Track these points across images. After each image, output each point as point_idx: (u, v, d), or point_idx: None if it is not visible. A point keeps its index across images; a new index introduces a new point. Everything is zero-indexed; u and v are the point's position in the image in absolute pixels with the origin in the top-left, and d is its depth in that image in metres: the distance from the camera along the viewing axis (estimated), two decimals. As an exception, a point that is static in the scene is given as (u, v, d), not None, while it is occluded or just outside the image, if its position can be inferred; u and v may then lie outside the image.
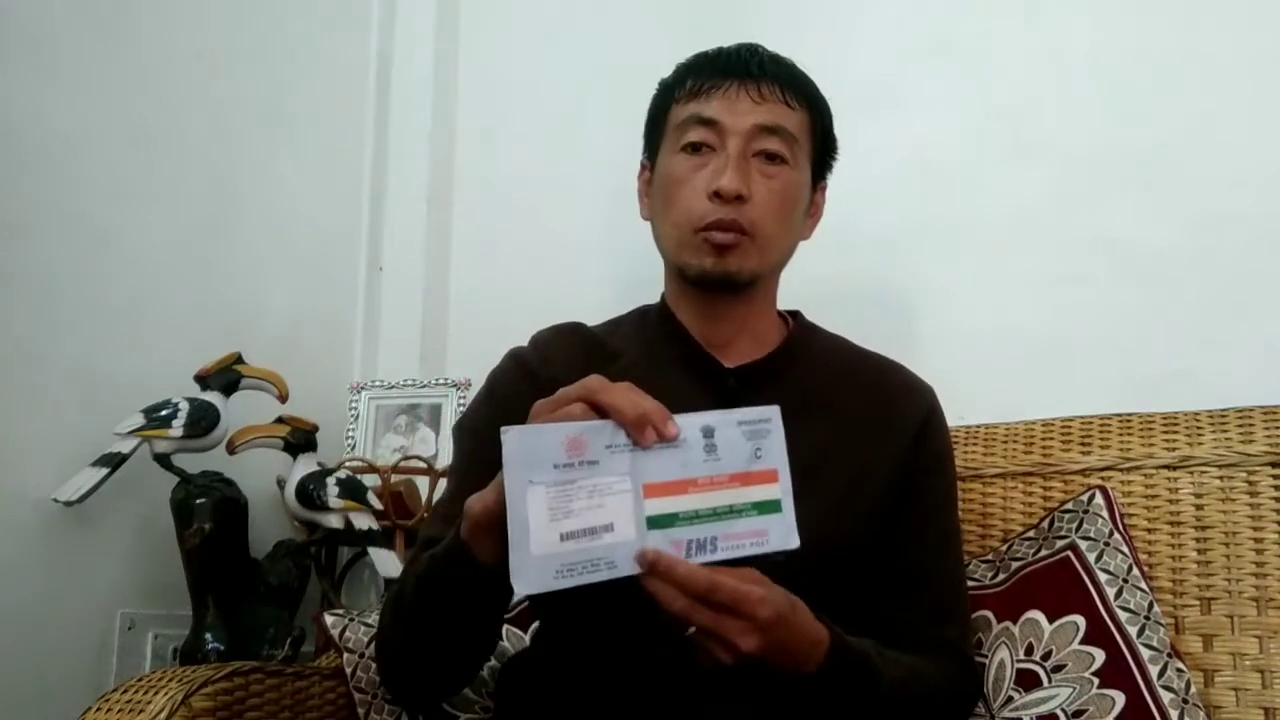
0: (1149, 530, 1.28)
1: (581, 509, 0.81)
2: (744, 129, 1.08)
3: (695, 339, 1.14)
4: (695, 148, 1.09)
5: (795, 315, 1.22)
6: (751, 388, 1.10)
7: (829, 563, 1.02)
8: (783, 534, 0.85)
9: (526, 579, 0.79)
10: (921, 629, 1.08)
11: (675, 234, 1.11)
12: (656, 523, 0.82)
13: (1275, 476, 1.24)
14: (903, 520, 1.11)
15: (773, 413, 0.86)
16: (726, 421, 0.85)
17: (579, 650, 1.06)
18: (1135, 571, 1.21)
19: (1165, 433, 1.33)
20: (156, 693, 1.04)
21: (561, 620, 1.11)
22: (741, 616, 0.83)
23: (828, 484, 1.05)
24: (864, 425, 1.11)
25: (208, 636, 1.57)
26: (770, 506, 0.85)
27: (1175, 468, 1.30)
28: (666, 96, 1.15)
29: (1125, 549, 1.22)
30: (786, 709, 0.96)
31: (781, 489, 0.85)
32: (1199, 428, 1.31)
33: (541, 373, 1.11)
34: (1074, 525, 1.25)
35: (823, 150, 1.17)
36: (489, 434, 1.07)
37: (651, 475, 0.83)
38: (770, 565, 0.93)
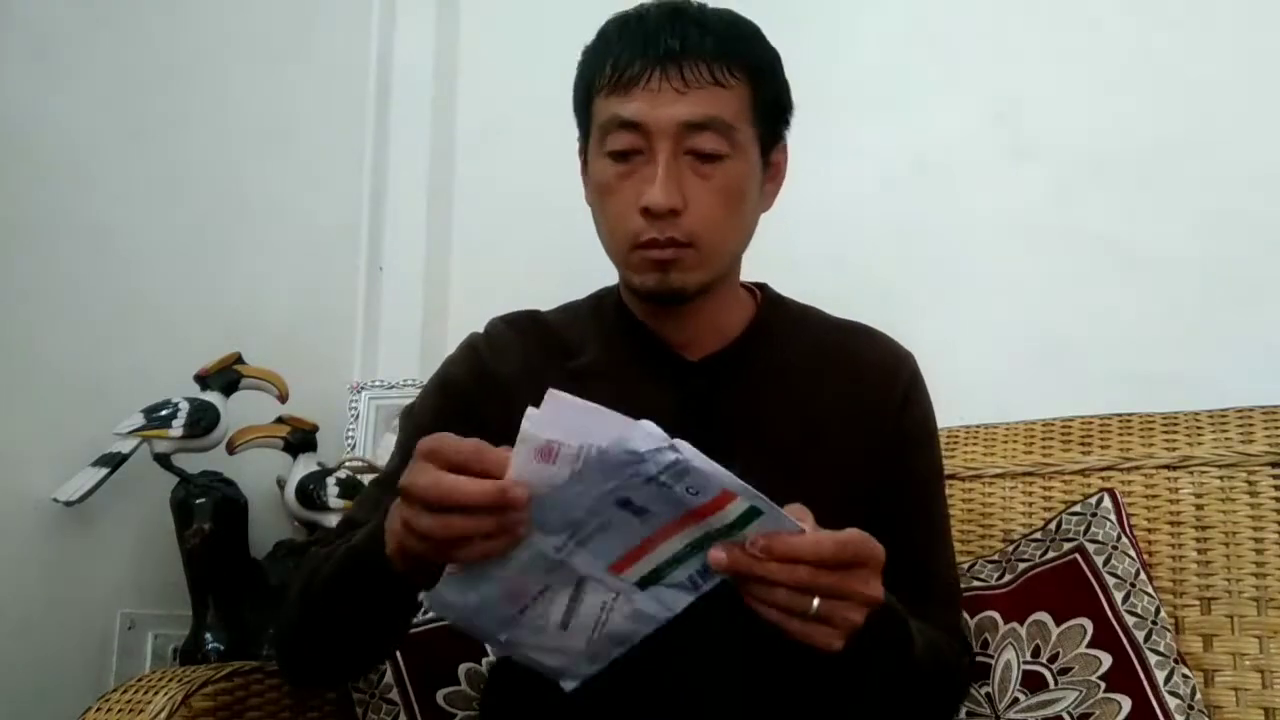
0: (1149, 530, 1.28)
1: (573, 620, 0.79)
2: (670, 129, 0.96)
3: (655, 335, 1.07)
4: (621, 155, 0.99)
5: (762, 289, 1.14)
6: (719, 382, 1.05)
7: None
8: (780, 522, 0.76)
9: (577, 677, 0.82)
10: (914, 613, 1.02)
11: (613, 247, 1.02)
12: (646, 582, 0.78)
13: (1275, 476, 1.24)
14: (889, 505, 1.05)
15: (672, 451, 0.70)
16: (632, 485, 0.71)
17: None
18: (1143, 576, 1.21)
19: (1165, 433, 1.33)
20: (156, 693, 1.04)
21: None
22: (865, 564, 0.78)
23: (808, 484, 0.99)
24: (841, 407, 1.05)
25: (208, 636, 1.57)
26: (749, 516, 0.74)
27: (1175, 468, 1.30)
28: (588, 82, 1.02)
29: (1133, 553, 1.22)
30: (782, 698, 0.95)
31: (748, 497, 0.73)
32: (1199, 428, 1.31)
33: (496, 369, 1.07)
34: (1082, 528, 1.25)
35: (774, 114, 1.04)
36: (432, 429, 1.07)
37: (601, 560, 0.76)
38: None
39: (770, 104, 1.03)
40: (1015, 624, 1.21)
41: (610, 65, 0.98)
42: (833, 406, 1.06)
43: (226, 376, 1.65)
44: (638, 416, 1.03)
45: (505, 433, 1.03)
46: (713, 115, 0.97)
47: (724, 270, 1.04)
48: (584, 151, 1.07)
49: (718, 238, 1.00)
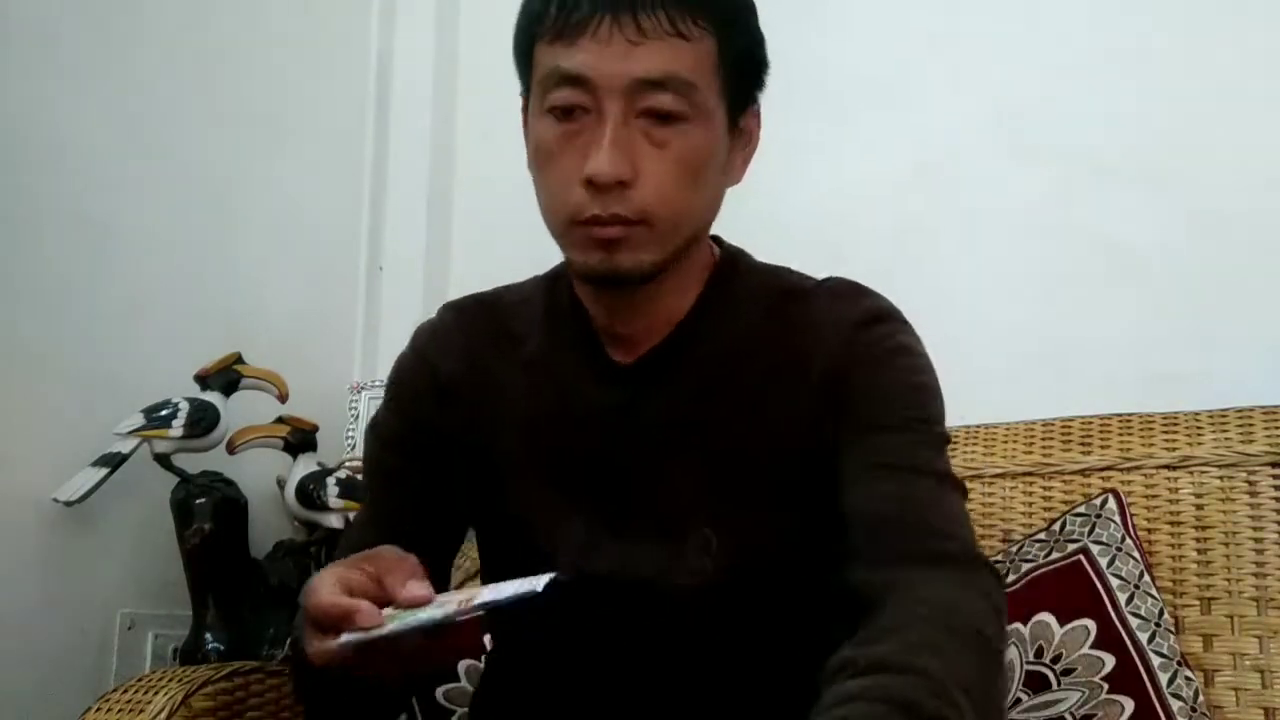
0: (1149, 530, 1.27)
1: None
2: (621, 85, 0.82)
3: (596, 329, 0.95)
4: (565, 111, 0.85)
5: (721, 260, 0.98)
6: (649, 386, 0.93)
7: (764, 586, 0.91)
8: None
9: None
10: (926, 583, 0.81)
11: (552, 221, 0.89)
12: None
13: (1275, 476, 1.24)
14: (850, 465, 0.89)
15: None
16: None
17: (532, 673, 1.00)
18: (1146, 578, 1.21)
19: (1165, 433, 1.33)
20: (156, 693, 1.04)
21: (515, 644, 1.04)
22: None
23: (747, 494, 0.91)
24: (779, 383, 0.92)
25: (208, 636, 1.57)
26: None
27: (1175, 468, 1.30)
28: (529, 26, 0.87)
29: (1137, 554, 1.22)
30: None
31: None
32: (1199, 428, 1.31)
33: (441, 368, 0.99)
34: (1086, 529, 1.25)
35: (745, 71, 0.89)
36: (394, 444, 1.02)
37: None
38: (702, 605, 0.89)
39: (741, 60, 0.88)
40: (1019, 624, 1.21)
41: (555, 7, 0.84)
42: (770, 388, 0.93)
43: (226, 376, 1.65)
44: (580, 417, 0.94)
45: (462, 441, 0.98)
46: (671, 72, 0.83)
47: (680, 250, 0.89)
48: (526, 109, 0.92)
49: (673, 214, 0.86)
